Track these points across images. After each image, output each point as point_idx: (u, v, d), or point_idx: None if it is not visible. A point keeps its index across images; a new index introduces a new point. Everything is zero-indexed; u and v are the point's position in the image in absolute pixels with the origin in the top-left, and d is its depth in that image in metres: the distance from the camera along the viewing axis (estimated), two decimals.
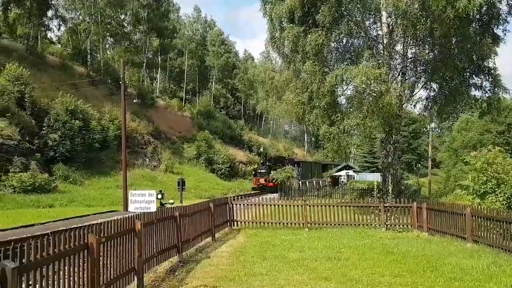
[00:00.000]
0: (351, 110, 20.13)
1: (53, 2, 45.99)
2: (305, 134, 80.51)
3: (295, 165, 43.14)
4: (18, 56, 36.21)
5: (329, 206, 16.52)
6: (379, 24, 21.39)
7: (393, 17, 20.08)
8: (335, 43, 21.82)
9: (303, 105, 20.82)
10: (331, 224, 15.85)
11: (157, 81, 70.48)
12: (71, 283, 5.38)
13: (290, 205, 16.62)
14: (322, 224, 15.92)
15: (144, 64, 62.42)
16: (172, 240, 9.88)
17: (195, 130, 53.68)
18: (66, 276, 5.27)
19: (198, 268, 9.38)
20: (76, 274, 5.52)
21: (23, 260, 4.46)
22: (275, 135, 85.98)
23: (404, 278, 8.27)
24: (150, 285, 8.03)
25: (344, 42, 22.76)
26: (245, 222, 16.49)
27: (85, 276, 5.74)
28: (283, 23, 21.00)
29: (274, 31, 21.95)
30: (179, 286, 7.98)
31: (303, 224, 15.88)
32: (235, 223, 16.41)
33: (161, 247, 9.19)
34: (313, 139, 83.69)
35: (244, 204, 17.01)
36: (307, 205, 16.30)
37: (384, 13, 20.33)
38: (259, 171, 41.30)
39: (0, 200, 22.88)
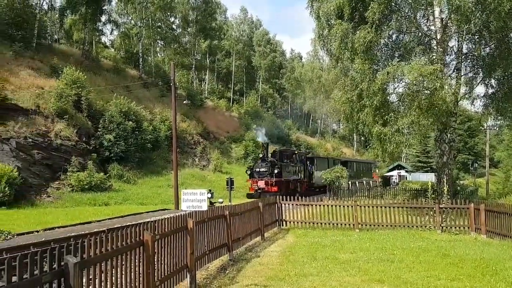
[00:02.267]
0: (403, 108, 19.53)
1: (106, 7, 47.91)
2: (354, 133, 79.10)
3: (308, 161, 37.13)
4: (74, 60, 38.05)
5: (381, 207, 16.15)
6: (431, 19, 20.63)
7: (446, 11, 19.32)
8: (384, 39, 21.27)
9: (352, 103, 20.41)
10: (382, 226, 15.47)
11: (205, 82, 71.62)
12: (127, 279, 5.54)
13: (339, 206, 16.34)
14: (373, 225, 15.57)
15: (193, 66, 63.67)
16: (223, 239, 9.98)
17: (242, 130, 54.13)
18: (123, 272, 5.44)
19: (248, 267, 9.41)
20: (131, 270, 5.68)
21: (84, 255, 4.63)
22: (323, 135, 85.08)
23: (462, 282, 7.91)
24: (202, 283, 8.13)
25: (394, 38, 22.16)
26: (294, 222, 16.43)
27: (140, 272, 5.90)
28: (331, 20, 20.69)
29: (322, 29, 21.68)
30: (230, 285, 8.03)
31: (353, 225, 15.59)
32: (284, 223, 16.38)
33: (212, 246, 9.29)
34: (362, 138, 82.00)
35: (292, 204, 16.88)
36: (358, 205, 15.99)
37: (436, 8, 19.60)
38: (257, 170, 29.90)
39: (60, 198, 24.14)
